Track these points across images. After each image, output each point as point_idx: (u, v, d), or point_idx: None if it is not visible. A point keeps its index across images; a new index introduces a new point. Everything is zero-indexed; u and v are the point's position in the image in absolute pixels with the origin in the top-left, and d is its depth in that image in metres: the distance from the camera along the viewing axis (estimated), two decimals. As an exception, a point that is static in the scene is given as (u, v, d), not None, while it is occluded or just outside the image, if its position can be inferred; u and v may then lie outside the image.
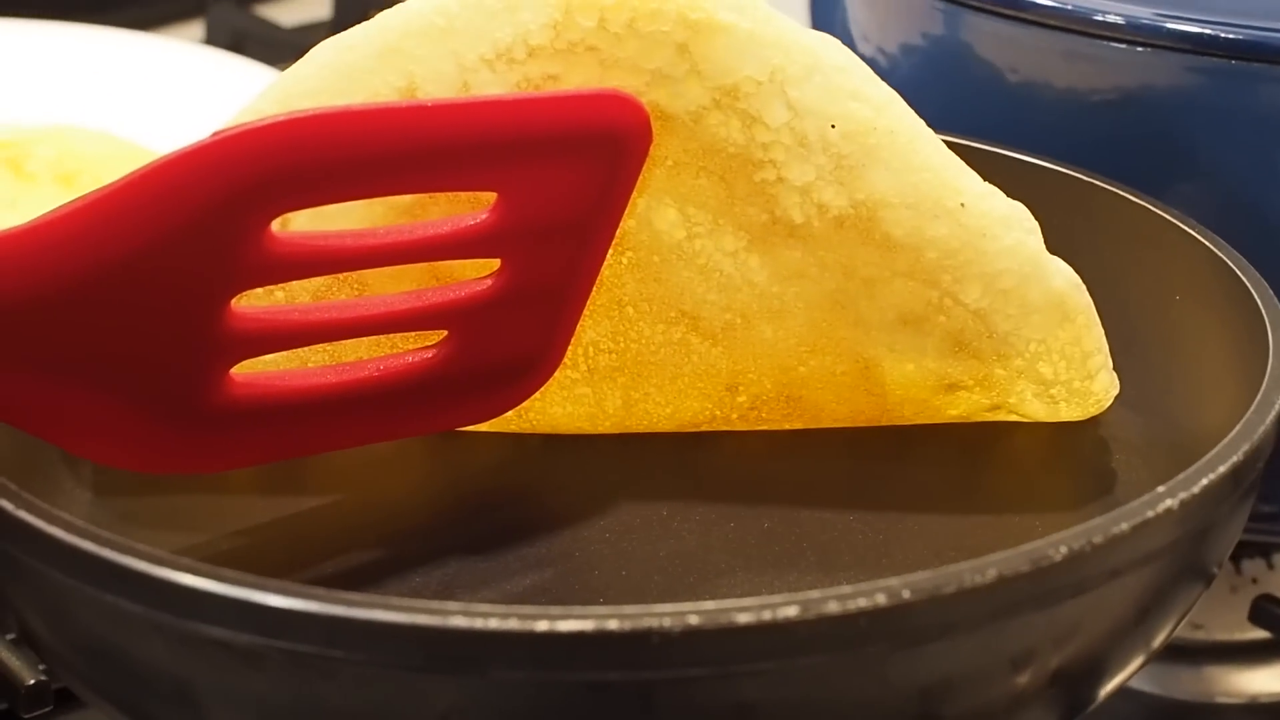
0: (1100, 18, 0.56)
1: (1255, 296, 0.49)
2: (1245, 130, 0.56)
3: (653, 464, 0.49)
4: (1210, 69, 0.55)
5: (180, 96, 0.91)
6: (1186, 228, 0.52)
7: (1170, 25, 0.55)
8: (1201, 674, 0.66)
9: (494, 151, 0.43)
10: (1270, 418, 0.44)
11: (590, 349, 0.49)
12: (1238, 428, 0.43)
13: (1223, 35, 0.55)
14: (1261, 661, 0.66)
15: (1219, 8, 0.56)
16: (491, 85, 0.45)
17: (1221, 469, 0.41)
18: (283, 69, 0.94)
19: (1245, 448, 0.42)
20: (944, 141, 0.47)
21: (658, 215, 0.47)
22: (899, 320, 0.47)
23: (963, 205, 0.45)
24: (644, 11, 0.44)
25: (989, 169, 0.48)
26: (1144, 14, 0.56)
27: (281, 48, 1.03)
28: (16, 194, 0.82)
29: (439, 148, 0.42)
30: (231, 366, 0.44)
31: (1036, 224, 0.47)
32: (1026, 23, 0.58)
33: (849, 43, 0.63)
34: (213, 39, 1.10)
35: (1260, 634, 0.65)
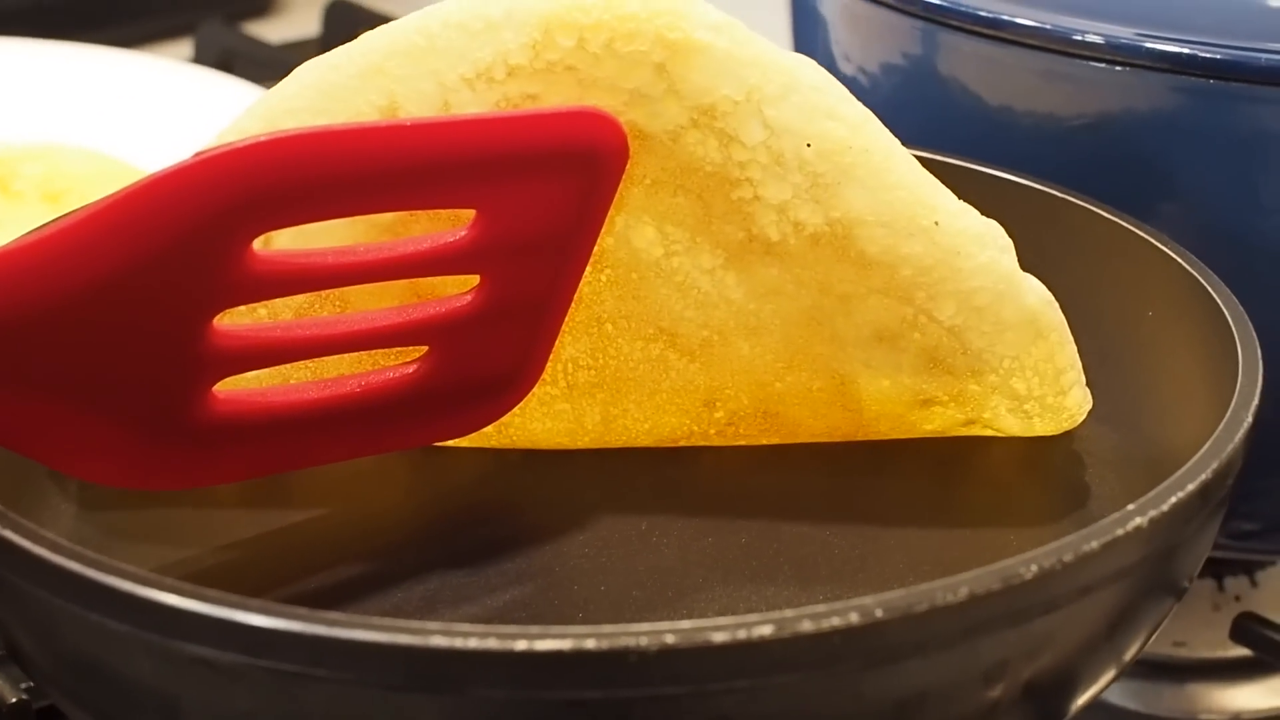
0: (1080, 37, 0.56)
1: (1225, 313, 0.49)
2: (1224, 150, 0.56)
3: (632, 479, 0.50)
4: (1190, 89, 0.56)
5: (168, 115, 0.92)
6: (1158, 244, 0.53)
7: (1150, 45, 0.56)
8: (1185, 691, 0.66)
9: (473, 169, 0.43)
10: (1239, 436, 0.44)
11: (569, 365, 0.49)
12: (1206, 445, 0.43)
13: (1201, 55, 0.55)
14: (1244, 678, 0.67)
15: (1198, 27, 0.56)
16: (471, 104, 0.45)
17: (1191, 487, 0.41)
18: (270, 86, 0.95)
19: (1214, 465, 0.42)
20: (918, 157, 0.48)
21: (636, 233, 0.47)
22: (874, 337, 0.48)
23: (937, 223, 0.46)
24: (622, 32, 0.44)
25: (964, 184, 0.49)
26: (1124, 33, 0.56)
27: (270, 65, 1.04)
28: (3, 213, 0.83)
29: (418, 166, 0.43)
30: (215, 383, 0.44)
31: (1010, 241, 0.48)
32: (1007, 42, 0.58)
33: (831, 63, 0.64)
34: (201, 57, 1.11)
35: (1243, 651, 0.66)
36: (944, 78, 0.61)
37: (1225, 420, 0.44)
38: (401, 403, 0.47)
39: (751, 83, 0.45)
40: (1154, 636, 0.44)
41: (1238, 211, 0.57)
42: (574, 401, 0.50)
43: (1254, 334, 0.48)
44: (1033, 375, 0.49)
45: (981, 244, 0.47)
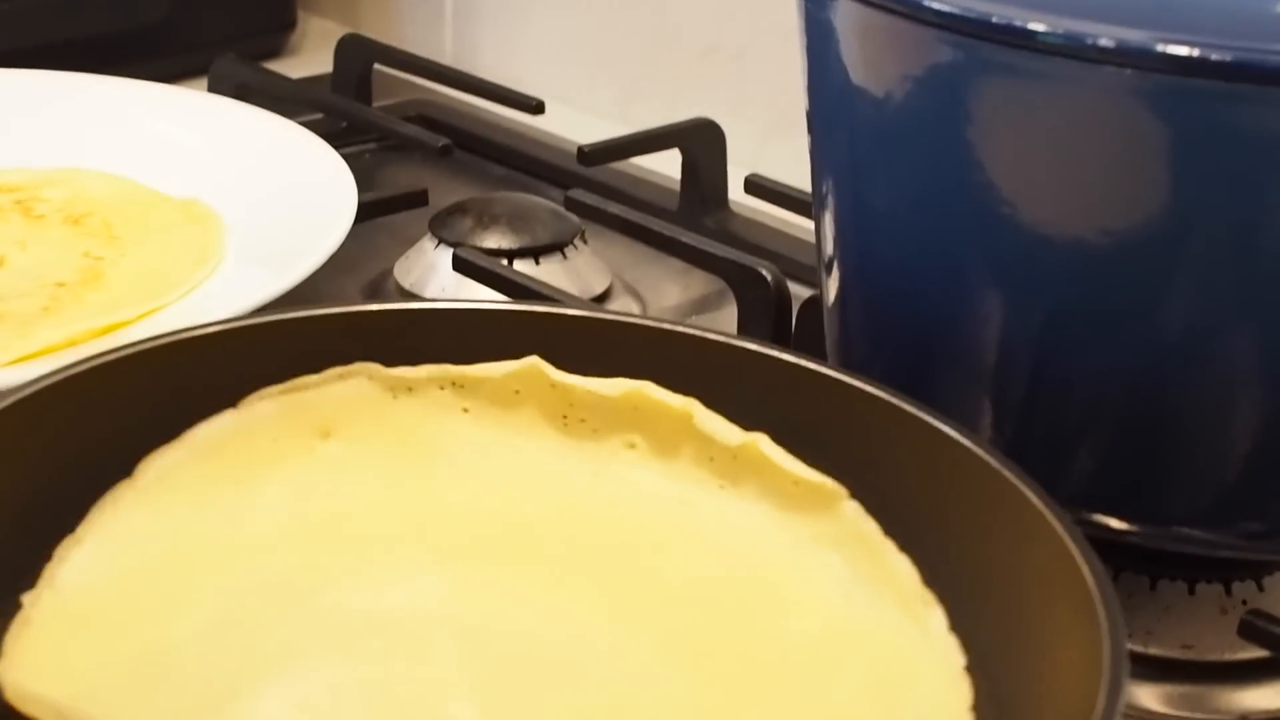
0: (1091, 42, 0.57)
1: (1102, 619, 0.50)
2: (1234, 153, 0.57)
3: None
4: (1201, 91, 0.56)
5: (188, 141, 0.94)
6: (1049, 513, 0.54)
7: (1161, 48, 0.56)
8: (1192, 690, 0.69)
9: None
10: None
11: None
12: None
13: (1212, 57, 0.55)
14: (1251, 680, 0.69)
15: (1209, 30, 0.56)
16: None
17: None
18: (286, 118, 0.97)
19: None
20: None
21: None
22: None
23: None
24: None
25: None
26: (1134, 37, 0.56)
27: (284, 100, 1.05)
28: (26, 235, 0.84)
29: None
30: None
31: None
32: (1019, 49, 0.58)
33: (843, 73, 0.65)
34: (216, 91, 1.11)
35: (1250, 653, 0.68)
36: (955, 85, 0.61)
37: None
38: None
39: None
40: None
41: (1247, 213, 0.59)
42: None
43: (1124, 634, 0.49)
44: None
45: None
